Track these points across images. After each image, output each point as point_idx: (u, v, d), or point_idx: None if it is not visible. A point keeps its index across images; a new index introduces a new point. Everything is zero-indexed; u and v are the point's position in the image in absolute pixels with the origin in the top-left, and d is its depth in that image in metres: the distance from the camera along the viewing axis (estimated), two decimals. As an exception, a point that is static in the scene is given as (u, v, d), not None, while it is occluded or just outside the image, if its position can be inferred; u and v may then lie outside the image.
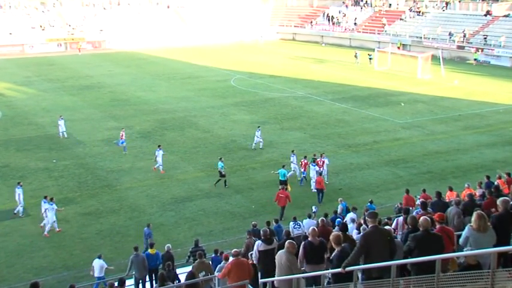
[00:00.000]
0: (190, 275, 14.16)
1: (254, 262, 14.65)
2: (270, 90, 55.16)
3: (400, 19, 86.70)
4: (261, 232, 14.89)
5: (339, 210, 23.01)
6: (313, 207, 23.86)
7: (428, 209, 15.82)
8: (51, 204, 24.46)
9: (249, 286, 13.35)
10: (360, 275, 10.65)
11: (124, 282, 14.34)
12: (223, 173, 30.11)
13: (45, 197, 25.04)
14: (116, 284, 14.74)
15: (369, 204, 23.54)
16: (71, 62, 74.77)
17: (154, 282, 19.09)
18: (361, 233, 10.81)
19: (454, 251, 10.98)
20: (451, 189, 23.46)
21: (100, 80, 60.98)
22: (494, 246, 9.67)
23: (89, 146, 37.21)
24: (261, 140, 36.28)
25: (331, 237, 11.31)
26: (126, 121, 43.21)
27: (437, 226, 11.57)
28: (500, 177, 23.31)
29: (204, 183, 30.72)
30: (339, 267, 10.31)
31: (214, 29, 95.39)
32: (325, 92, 54.11)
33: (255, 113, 46.33)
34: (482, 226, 10.14)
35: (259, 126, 37.69)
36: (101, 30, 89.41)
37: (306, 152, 33.29)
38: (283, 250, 12.21)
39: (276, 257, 12.30)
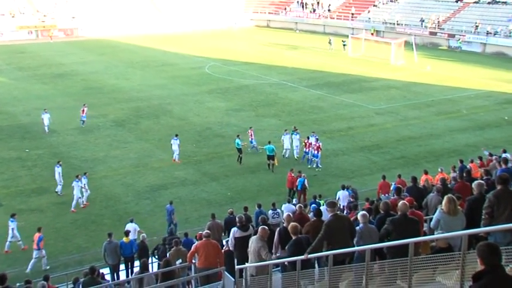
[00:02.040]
0: (166, 263, 14.14)
1: (230, 249, 14.71)
2: (245, 77, 55.05)
3: (374, 5, 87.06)
4: (237, 219, 14.93)
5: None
6: (294, 200, 24.12)
7: (405, 194, 15.98)
8: (77, 181, 25.63)
9: (226, 273, 13.44)
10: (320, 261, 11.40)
11: (95, 271, 14.24)
12: (241, 149, 31.29)
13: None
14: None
15: (312, 200, 23.06)
16: (43, 49, 73.47)
17: (130, 270, 19.04)
18: (324, 222, 11.09)
19: (425, 234, 11.17)
20: (426, 173, 23.72)
21: (72, 68, 60.13)
22: (465, 228, 9.85)
23: (62, 135, 36.75)
24: (296, 146, 32.86)
25: (290, 227, 11.72)
26: (100, 109, 42.77)
27: (408, 210, 11.72)
28: (472, 161, 23.66)
29: (179, 170, 30.63)
30: (294, 255, 10.96)
31: (188, 16, 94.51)
32: (300, 78, 54.20)
33: (229, 100, 46.22)
34: (452, 209, 10.34)
35: (286, 130, 33.85)
36: (73, 17, 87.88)
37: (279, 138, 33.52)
38: (255, 236, 12.37)
39: (249, 243, 12.43)
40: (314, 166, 30.81)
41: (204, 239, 13.74)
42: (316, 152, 30.79)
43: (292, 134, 32.75)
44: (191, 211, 25.70)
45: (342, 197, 22.68)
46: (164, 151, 33.63)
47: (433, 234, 10.61)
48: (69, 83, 52.87)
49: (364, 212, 12.22)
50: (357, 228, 11.43)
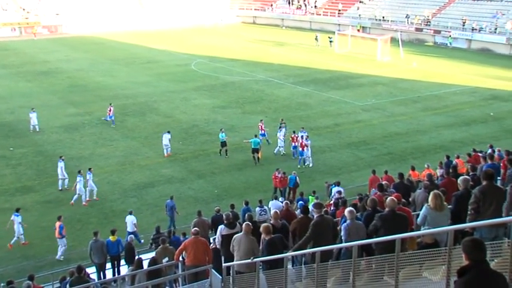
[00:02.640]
0: (153, 261, 14.11)
1: (217, 246, 14.70)
2: (231, 74, 54.96)
3: (360, 1, 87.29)
4: (224, 216, 14.91)
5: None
6: (280, 198, 24.15)
7: (391, 190, 16.07)
8: (81, 177, 25.83)
9: (213, 270, 13.43)
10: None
11: (82, 270, 14.17)
12: (225, 142, 31.86)
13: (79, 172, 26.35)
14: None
15: (299, 197, 23.21)
16: (26, 47, 72.80)
17: (116, 269, 18.97)
18: (311, 223, 11.23)
19: (412, 230, 11.24)
20: (413, 169, 23.90)
21: (57, 66, 59.65)
22: (451, 224, 9.93)
23: (47, 133, 36.47)
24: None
25: (262, 228, 11.96)
26: (85, 107, 42.53)
27: (397, 206, 11.78)
28: (458, 157, 23.86)
29: (166, 168, 30.54)
30: (270, 255, 11.28)
31: (173, 13, 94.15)
32: (286, 75, 54.23)
33: (216, 97, 46.14)
34: (438, 205, 10.41)
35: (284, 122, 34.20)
36: (57, 14, 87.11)
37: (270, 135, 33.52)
38: (240, 234, 12.41)
39: (235, 241, 12.44)
40: (302, 164, 30.68)
41: (192, 236, 13.72)
42: (301, 149, 30.74)
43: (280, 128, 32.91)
44: (178, 209, 25.50)
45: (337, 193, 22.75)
46: (150, 149, 33.51)
47: (420, 230, 10.68)
48: (53, 81, 52.46)
49: (351, 208, 12.28)
50: (344, 224, 11.49)
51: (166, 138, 32.34)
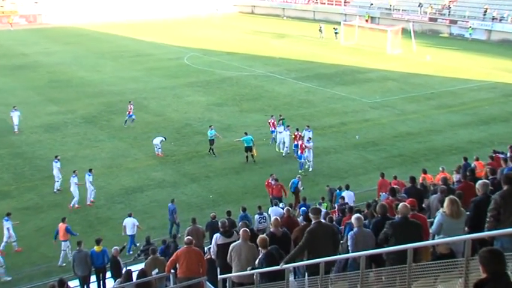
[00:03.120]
0: (142, 273, 14.09)
1: (212, 257, 14.68)
2: (227, 68, 54.96)
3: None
4: (219, 224, 14.90)
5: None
6: (281, 204, 24.11)
7: (403, 195, 16.06)
8: (74, 177, 26.18)
9: (207, 283, 13.41)
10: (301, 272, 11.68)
11: (64, 283, 14.14)
12: (213, 140, 32.30)
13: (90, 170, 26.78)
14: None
15: (302, 203, 22.92)
16: (2, 38, 72.81)
17: (101, 282, 18.89)
18: (307, 229, 11.25)
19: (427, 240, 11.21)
20: (425, 172, 23.78)
21: (36, 59, 59.63)
22: (469, 232, 9.90)
23: (25, 133, 36.42)
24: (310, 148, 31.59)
25: (258, 240, 11.86)
26: (68, 105, 42.50)
27: (410, 213, 11.76)
28: (477, 159, 23.74)
29: (156, 171, 30.52)
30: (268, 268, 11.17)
31: (164, 2, 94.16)
32: (288, 70, 54.25)
33: (211, 94, 46.13)
34: (455, 212, 10.33)
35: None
36: (35, 2, 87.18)
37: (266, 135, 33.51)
38: (239, 242, 12.36)
39: (233, 250, 12.39)
40: (305, 167, 30.52)
41: (185, 245, 13.69)
42: (300, 152, 30.18)
43: (283, 128, 32.95)
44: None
45: (348, 198, 22.85)
46: (140, 150, 33.49)
47: (434, 239, 10.65)
48: (32, 76, 52.44)
49: (358, 214, 12.26)
50: (351, 232, 11.47)
51: (158, 139, 32.47)
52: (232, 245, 12.62)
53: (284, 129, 32.62)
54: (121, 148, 33.94)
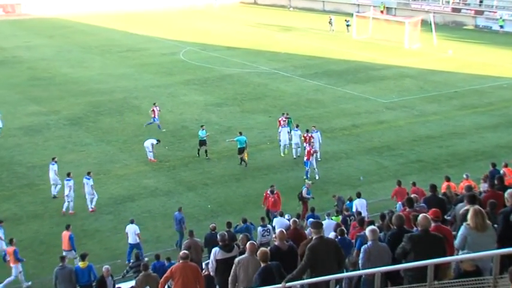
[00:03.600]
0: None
1: (211, 273, 14.64)
2: (228, 65, 55.02)
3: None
4: (218, 237, 14.86)
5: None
6: (287, 215, 24.05)
7: (422, 204, 15.99)
8: (69, 180, 26.42)
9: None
10: None
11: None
12: (205, 141, 32.63)
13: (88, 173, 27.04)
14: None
15: (310, 213, 22.72)
16: (-21, 31, 73.02)
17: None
18: (307, 246, 11.22)
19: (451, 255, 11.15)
20: (448, 180, 23.57)
21: (15, 54, 59.74)
22: (497, 248, 9.84)
23: (3, 136, 36.44)
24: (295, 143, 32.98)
25: (258, 253, 11.77)
26: (51, 104, 42.53)
27: (433, 225, 11.69)
28: (506, 165, 23.58)
29: (149, 178, 30.50)
30: (262, 285, 11.09)
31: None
32: (294, 66, 54.29)
33: (209, 92, 46.16)
34: (480, 224, 10.26)
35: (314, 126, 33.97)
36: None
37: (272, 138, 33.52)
38: (245, 255, 12.28)
39: (239, 265, 12.29)
40: (307, 177, 30.22)
41: (181, 261, 13.66)
42: (306, 158, 29.93)
43: (291, 129, 33.18)
44: (163, 228, 25.55)
45: (360, 206, 22.85)
46: (130, 155, 33.49)
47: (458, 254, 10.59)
48: (11, 72, 52.53)
49: (373, 227, 12.21)
50: (364, 246, 11.42)
51: (149, 141, 32.37)
52: (237, 259, 12.51)
53: (293, 129, 32.70)
54: (109, 153, 33.92)
